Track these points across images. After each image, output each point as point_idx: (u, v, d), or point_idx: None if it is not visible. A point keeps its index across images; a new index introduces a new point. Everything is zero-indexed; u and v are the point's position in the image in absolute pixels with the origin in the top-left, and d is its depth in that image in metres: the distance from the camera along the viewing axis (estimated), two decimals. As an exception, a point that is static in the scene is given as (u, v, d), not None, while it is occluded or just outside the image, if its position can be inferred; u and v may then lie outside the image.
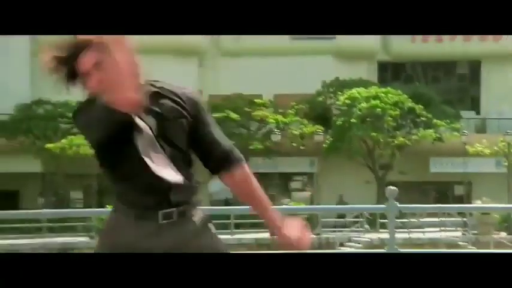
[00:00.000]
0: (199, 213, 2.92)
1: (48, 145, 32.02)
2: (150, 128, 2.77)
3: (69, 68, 2.81)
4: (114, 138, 2.67)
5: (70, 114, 34.23)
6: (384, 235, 21.18)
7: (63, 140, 32.13)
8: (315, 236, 26.76)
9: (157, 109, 2.79)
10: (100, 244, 2.96)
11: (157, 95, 2.81)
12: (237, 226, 27.47)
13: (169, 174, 2.81)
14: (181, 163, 2.85)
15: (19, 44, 35.69)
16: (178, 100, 2.84)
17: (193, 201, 2.90)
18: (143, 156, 2.76)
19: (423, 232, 27.37)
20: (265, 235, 27.54)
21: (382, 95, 34.40)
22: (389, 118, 33.79)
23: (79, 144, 31.67)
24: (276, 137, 34.25)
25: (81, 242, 25.75)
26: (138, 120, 2.72)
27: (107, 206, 18.61)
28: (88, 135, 2.77)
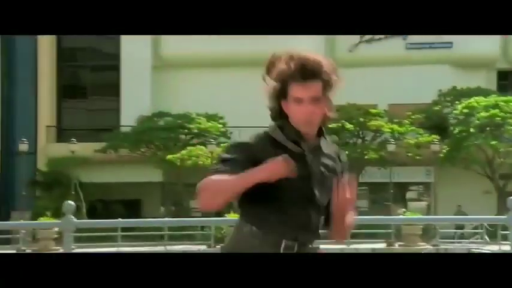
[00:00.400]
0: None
1: (169, 156, 32.90)
2: (315, 171, 2.98)
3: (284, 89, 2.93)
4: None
5: (190, 125, 35.17)
6: (506, 247, 20.46)
7: (183, 151, 32.95)
8: (432, 247, 26.16)
9: (325, 158, 3.02)
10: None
11: (326, 146, 3.06)
12: (353, 236, 27.21)
13: (311, 215, 3.00)
14: (319, 211, 3.04)
15: (141, 55, 36.92)
16: (336, 157, 3.10)
17: (313, 244, 3.08)
18: (298, 192, 2.95)
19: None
20: (382, 245, 27.19)
21: (502, 103, 33.28)
22: (510, 127, 32.64)
23: (198, 155, 32.43)
24: (391, 147, 33.80)
25: (200, 250, 26.26)
26: (311, 159, 2.97)
27: (225, 215, 19.01)
28: (260, 152, 2.90)
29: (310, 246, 3.04)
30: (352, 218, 3.18)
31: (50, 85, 37.54)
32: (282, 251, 2.95)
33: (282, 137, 2.96)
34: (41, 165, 36.21)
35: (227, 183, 2.88)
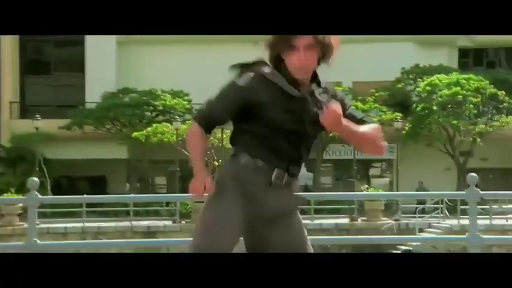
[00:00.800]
0: (297, 184, 3.43)
1: (134, 133, 32.71)
2: (308, 109, 3.29)
3: (284, 42, 3.26)
4: (284, 103, 3.25)
5: (155, 102, 34.92)
6: (465, 221, 20.81)
7: (148, 128, 32.77)
8: (394, 222, 26.49)
9: (317, 100, 3.29)
10: (220, 177, 3.33)
11: (320, 88, 3.36)
12: (317, 211, 27.48)
13: (302, 151, 3.35)
14: (309, 145, 3.39)
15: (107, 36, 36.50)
16: (330, 98, 3.34)
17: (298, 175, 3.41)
18: (291, 125, 3.28)
19: (506, 218, 26.71)
20: (345, 220, 27.47)
21: (464, 81, 33.63)
22: (471, 105, 33.04)
23: (163, 132, 32.27)
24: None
25: (165, 225, 26.26)
26: (305, 101, 3.28)
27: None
28: (253, 90, 3.25)
29: (297, 177, 3.37)
30: (366, 128, 3.45)
31: (12, 60, 36.94)
32: (273, 180, 3.27)
33: (281, 80, 3.28)
34: (4, 141, 35.74)
35: (191, 152, 3.32)
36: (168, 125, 32.84)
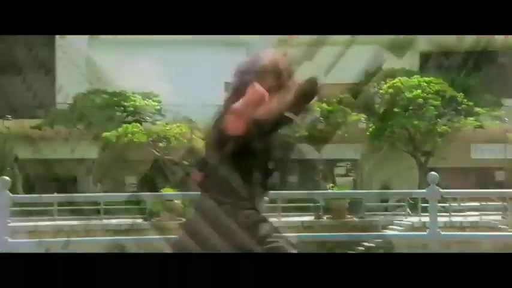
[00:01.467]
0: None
1: (104, 133, 32.48)
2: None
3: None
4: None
5: (125, 103, 34.66)
6: (425, 218, 21.07)
7: (119, 128, 32.56)
8: (358, 220, 26.67)
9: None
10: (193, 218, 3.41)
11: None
12: (284, 210, 27.55)
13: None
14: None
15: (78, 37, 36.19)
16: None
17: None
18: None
19: (464, 216, 27.05)
20: (310, 218, 27.58)
21: (425, 84, 33.99)
22: (431, 107, 33.41)
23: (133, 132, 32.09)
24: (321, 125, 34.18)
25: (136, 223, 26.15)
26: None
27: (161, 190, 18.95)
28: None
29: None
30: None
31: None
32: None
33: None
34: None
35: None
36: (138, 125, 32.68)
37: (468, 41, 39.83)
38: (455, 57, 42.36)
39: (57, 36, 36.32)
